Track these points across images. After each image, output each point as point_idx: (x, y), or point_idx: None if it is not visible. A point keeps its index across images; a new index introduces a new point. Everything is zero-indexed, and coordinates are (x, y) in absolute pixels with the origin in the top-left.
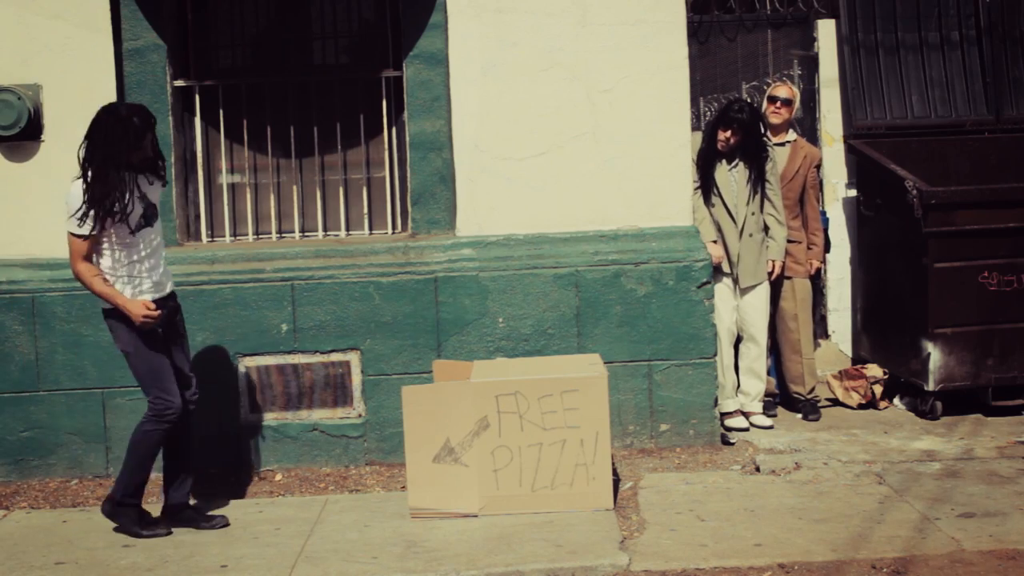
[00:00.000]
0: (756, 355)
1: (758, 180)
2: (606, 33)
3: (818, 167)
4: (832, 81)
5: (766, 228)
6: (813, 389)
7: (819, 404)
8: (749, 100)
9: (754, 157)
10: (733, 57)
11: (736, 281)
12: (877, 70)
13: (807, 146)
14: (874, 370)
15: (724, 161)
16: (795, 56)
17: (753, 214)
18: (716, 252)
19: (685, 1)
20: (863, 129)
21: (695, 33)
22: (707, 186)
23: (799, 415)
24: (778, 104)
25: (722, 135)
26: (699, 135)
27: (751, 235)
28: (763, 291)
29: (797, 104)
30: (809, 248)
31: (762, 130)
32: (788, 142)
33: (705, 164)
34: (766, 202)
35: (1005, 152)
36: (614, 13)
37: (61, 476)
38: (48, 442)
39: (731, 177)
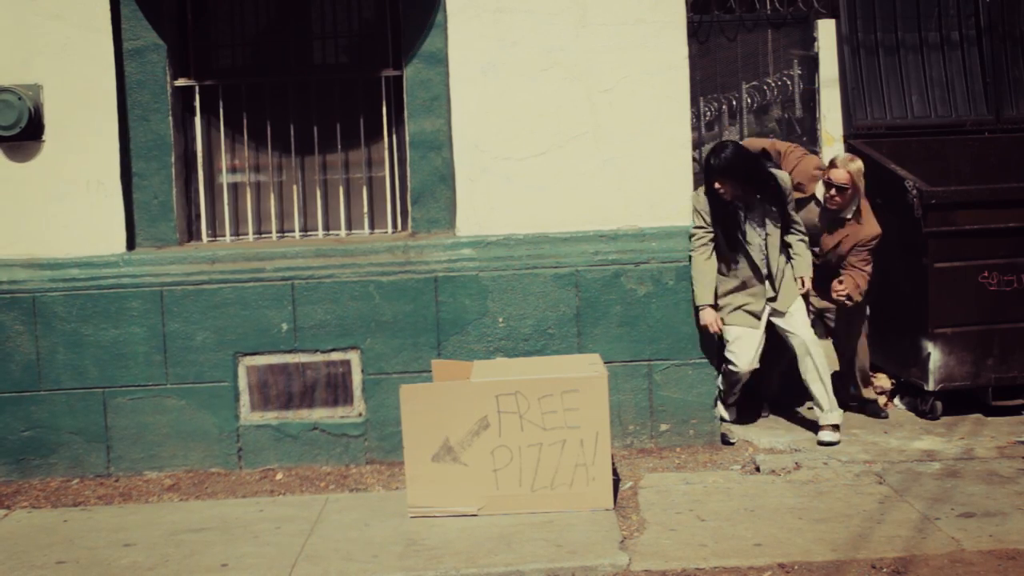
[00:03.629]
0: (821, 365)
1: (778, 213)
2: (606, 33)
3: (869, 247)
4: (832, 81)
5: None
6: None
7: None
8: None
9: (759, 190)
10: (733, 57)
11: (774, 309)
12: (877, 70)
13: (856, 227)
14: (882, 380)
15: (741, 213)
16: (795, 56)
17: (781, 254)
18: (709, 318)
19: (685, 1)
20: (863, 129)
21: (695, 33)
22: (730, 243)
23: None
24: (833, 192)
25: (715, 187)
26: (700, 193)
27: (781, 269)
28: (802, 305)
29: (862, 186)
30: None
31: (753, 162)
32: (844, 219)
33: (718, 217)
34: (791, 230)
35: (1005, 152)
36: (614, 13)
37: (62, 475)
38: (49, 441)
39: (753, 231)
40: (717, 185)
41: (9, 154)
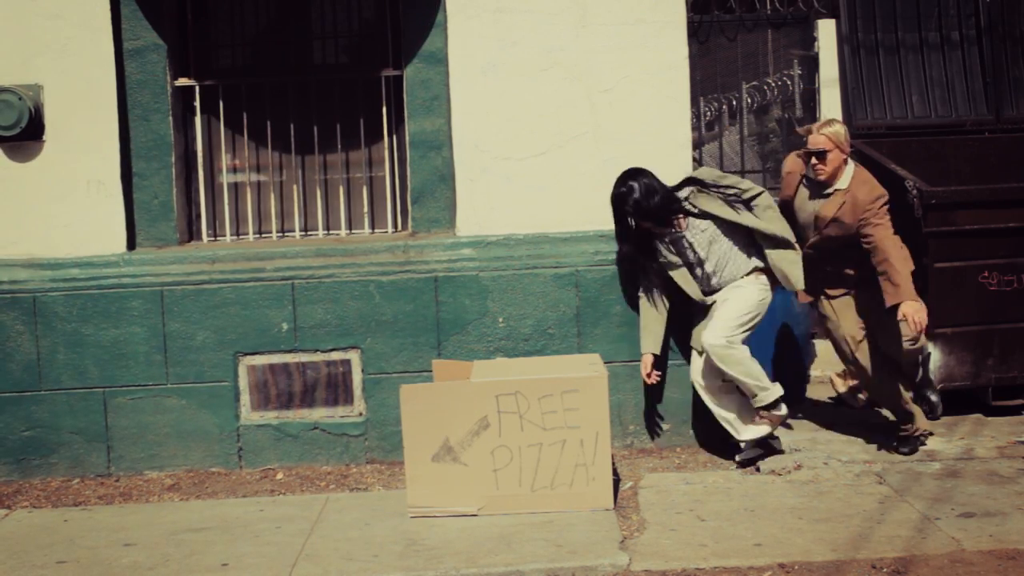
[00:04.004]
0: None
1: (725, 209)
2: (606, 33)
3: (884, 203)
4: (832, 81)
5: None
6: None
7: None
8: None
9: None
10: (733, 57)
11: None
12: (877, 70)
13: (854, 191)
14: None
15: (658, 242)
16: (795, 56)
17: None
18: (643, 369)
19: (685, 1)
20: (863, 129)
21: (695, 33)
22: (664, 276)
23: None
24: (814, 160)
25: (643, 227)
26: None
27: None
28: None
29: (844, 141)
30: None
31: (650, 182)
32: (837, 190)
33: (644, 257)
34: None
35: (1005, 152)
36: (614, 13)
37: (63, 475)
38: (50, 441)
39: (678, 252)
40: (635, 224)
41: (9, 154)
